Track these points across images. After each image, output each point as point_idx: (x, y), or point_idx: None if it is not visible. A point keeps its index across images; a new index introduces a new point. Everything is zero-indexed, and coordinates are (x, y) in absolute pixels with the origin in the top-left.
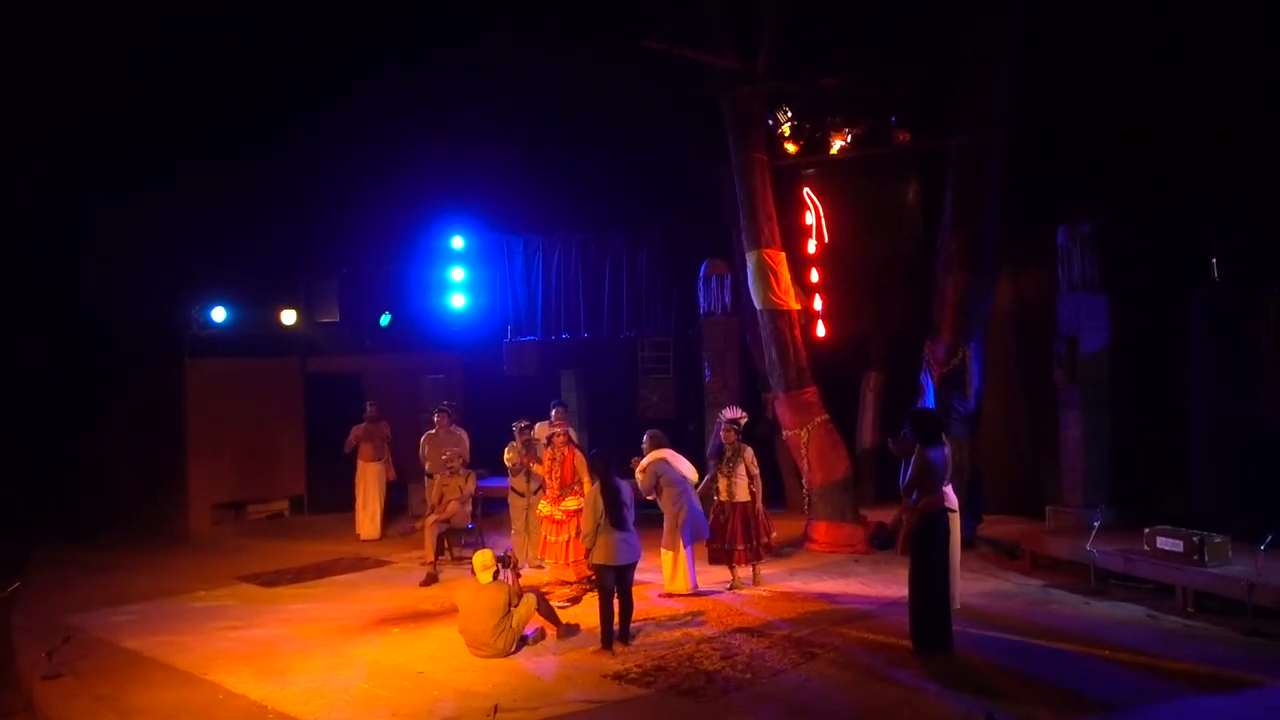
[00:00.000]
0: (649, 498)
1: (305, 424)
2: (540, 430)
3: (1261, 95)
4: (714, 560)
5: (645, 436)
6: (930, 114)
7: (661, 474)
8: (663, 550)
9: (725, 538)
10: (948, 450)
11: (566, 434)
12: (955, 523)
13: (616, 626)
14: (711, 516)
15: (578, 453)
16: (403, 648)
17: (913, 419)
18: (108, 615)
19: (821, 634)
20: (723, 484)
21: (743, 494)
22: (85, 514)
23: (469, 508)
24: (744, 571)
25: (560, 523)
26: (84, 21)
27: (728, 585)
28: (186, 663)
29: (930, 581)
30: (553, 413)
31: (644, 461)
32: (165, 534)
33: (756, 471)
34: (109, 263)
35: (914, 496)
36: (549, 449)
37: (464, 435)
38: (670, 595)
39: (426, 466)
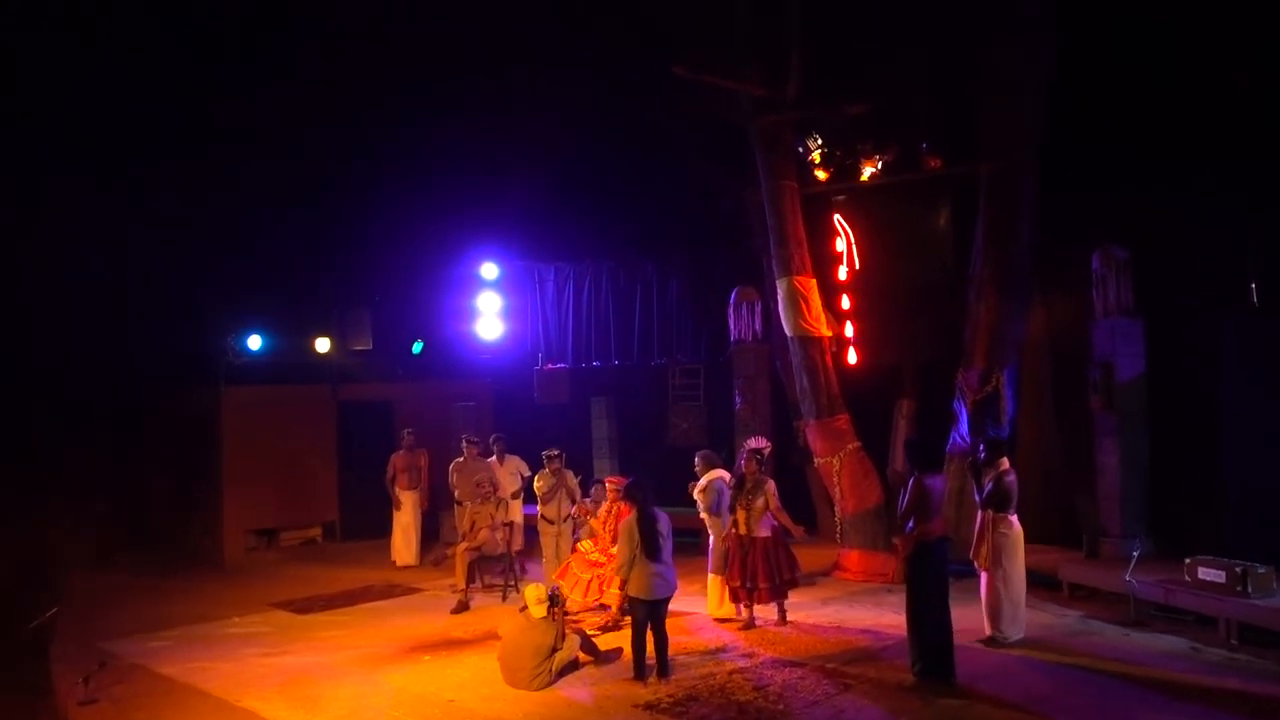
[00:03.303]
0: (713, 515)
1: (338, 451)
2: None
3: None
4: (734, 598)
5: (698, 457)
6: (961, 139)
7: (720, 492)
8: (710, 575)
9: (746, 575)
10: (943, 479)
11: (620, 488)
12: (1018, 547)
13: (651, 658)
14: (730, 552)
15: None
16: (434, 676)
17: (909, 447)
18: (143, 641)
19: (855, 665)
20: (741, 516)
21: (762, 529)
22: (121, 539)
23: (500, 534)
24: (767, 610)
25: (596, 564)
26: (128, 54)
27: (743, 625)
28: (220, 689)
29: (928, 610)
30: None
31: (702, 482)
32: (200, 560)
33: (778, 504)
34: (148, 291)
35: (910, 524)
36: (605, 503)
37: (489, 464)
38: (720, 621)
39: (456, 494)
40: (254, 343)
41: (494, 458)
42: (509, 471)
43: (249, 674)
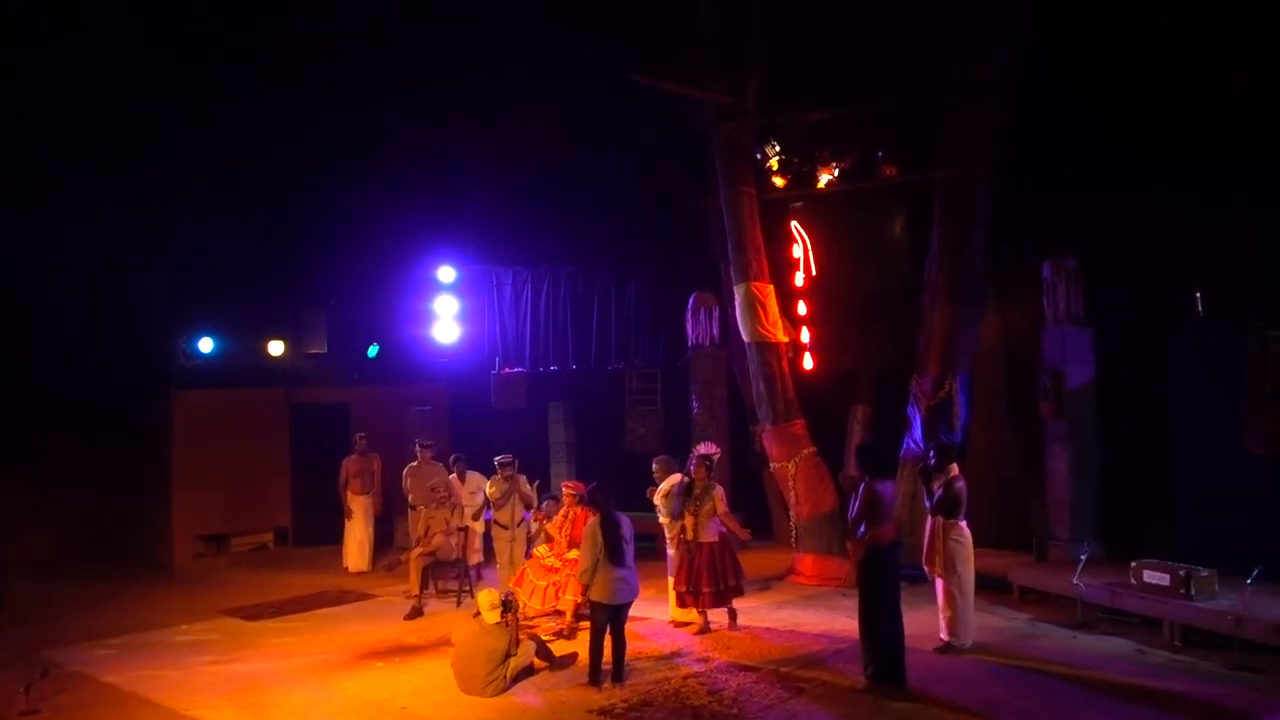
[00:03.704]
0: (674, 520)
1: (291, 455)
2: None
3: (1246, 131)
4: (681, 604)
5: (657, 463)
6: (917, 148)
7: (679, 497)
8: (671, 578)
9: (690, 580)
10: (895, 484)
11: (577, 493)
12: (969, 555)
13: (607, 664)
14: (678, 557)
15: (589, 512)
16: (386, 682)
17: (860, 452)
18: (88, 649)
19: (809, 669)
20: (689, 522)
21: (709, 534)
22: (68, 546)
23: (455, 540)
24: (716, 615)
25: (551, 569)
26: (72, 56)
27: (698, 629)
28: (167, 698)
29: (880, 614)
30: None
31: (664, 486)
32: (148, 566)
33: (726, 509)
34: (98, 293)
35: (861, 530)
36: (561, 508)
37: (444, 469)
38: (678, 625)
39: (410, 499)
40: (206, 345)
41: (454, 475)
42: (470, 490)
43: (197, 682)
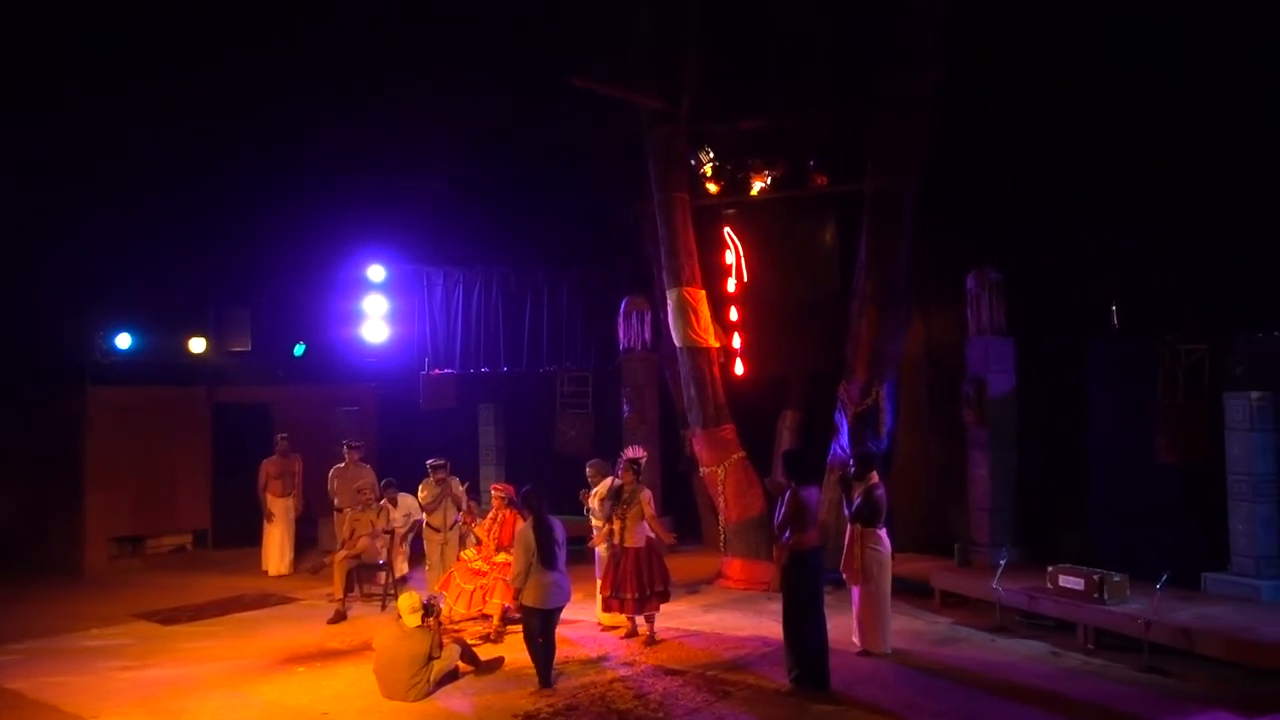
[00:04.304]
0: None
1: (213, 455)
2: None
3: (1166, 144)
4: (606, 608)
5: (591, 466)
6: (847, 159)
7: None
8: (599, 581)
9: (615, 585)
10: (820, 490)
11: (506, 495)
12: (887, 563)
13: (531, 667)
14: (606, 561)
15: (517, 516)
16: (308, 688)
17: (786, 458)
18: None
19: (734, 672)
20: (616, 526)
21: (636, 539)
22: None
23: (380, 543)
24: (640, 620)
25: (479, 573)
26: None
27: (626, 633)
28: (75, 705)
29: (803, 618)
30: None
31: (599, 489)
32: (58, 568)
33: (653, 512)
34: (8, 283)
35: (786, 535)
36: (490, 510)
37: (371, 471)
38: (607, 629)
39: (336, 501)
40: (123, 341)
41: (385, 501)
42: (402, 513)
43: (108, 688)
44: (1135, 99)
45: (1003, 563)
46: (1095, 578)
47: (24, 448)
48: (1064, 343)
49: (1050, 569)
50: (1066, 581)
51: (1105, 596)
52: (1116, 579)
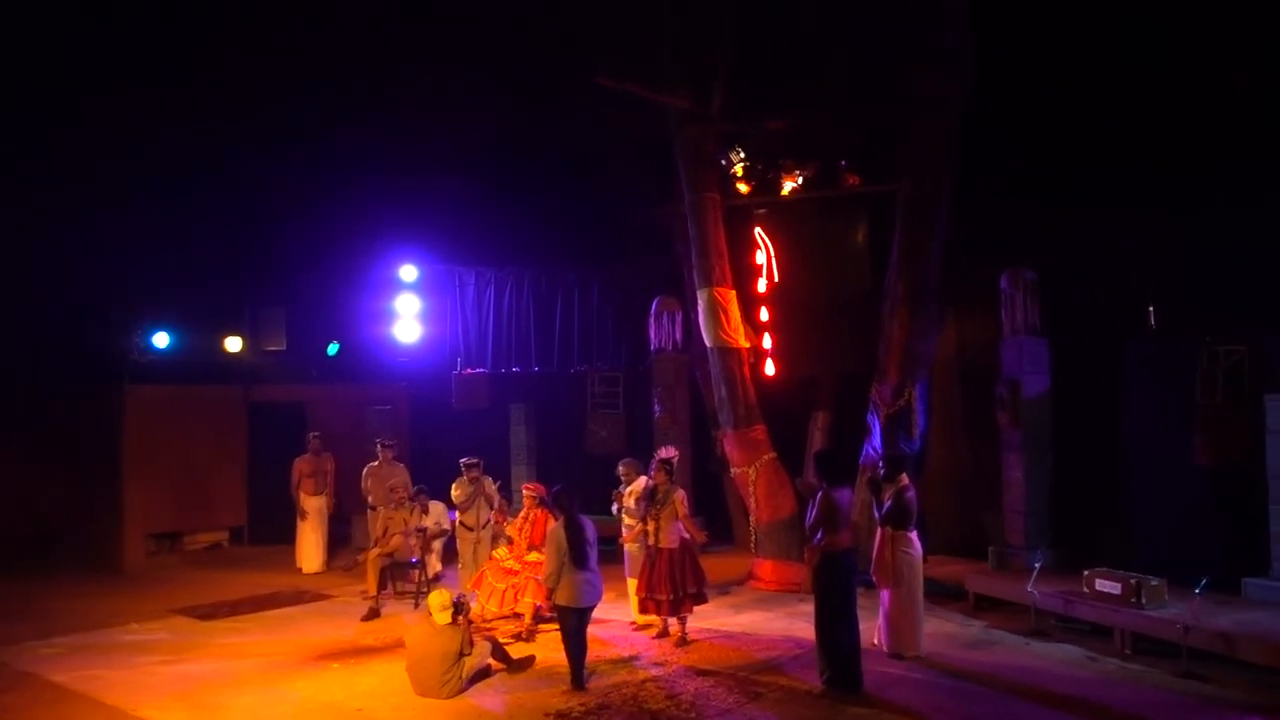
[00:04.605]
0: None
1: (248, 453)
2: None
3: (1201, 146)
4: (642, 609)
5: (624, 465)
6: (880, 158)
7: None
8: (630, 579)
9: (649, 586)
10: (852, 491)
11: (538, 494)
12: (918, 566)
13: (564, 666)
14: (640, 561)
15: (549, 515)
16: (341, 684)
17: (818, 459)
18: (35, 648)
19: (766, 673)
20: (651, 527)
21: (670, 539)
22: (15, 542)
23: (413, 540)
24: (672, 620)
25: (511, 572)
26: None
27: (657, 633)
28: (116, 698)
29: (835, 619)
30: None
31: (634, 488)
32: (98, 564)
33: (686, 511)
34: (50, 283)
35: (818, 536)
36: (522, 509)
37: (404, 469)
38: (639, 628)
39: (369, 499)
40: (161, 340)
41: (416, 505)
42: (431, 520)
43: (146, 682)
44: (1167, 99)
45: (1037, 566)
46: (1132, 582)
47: (65, 445)
48: (1098, 343)
49: (1086, 573)
50: (1103, 585)
51: (1143, 601)
52: (1154, 583)
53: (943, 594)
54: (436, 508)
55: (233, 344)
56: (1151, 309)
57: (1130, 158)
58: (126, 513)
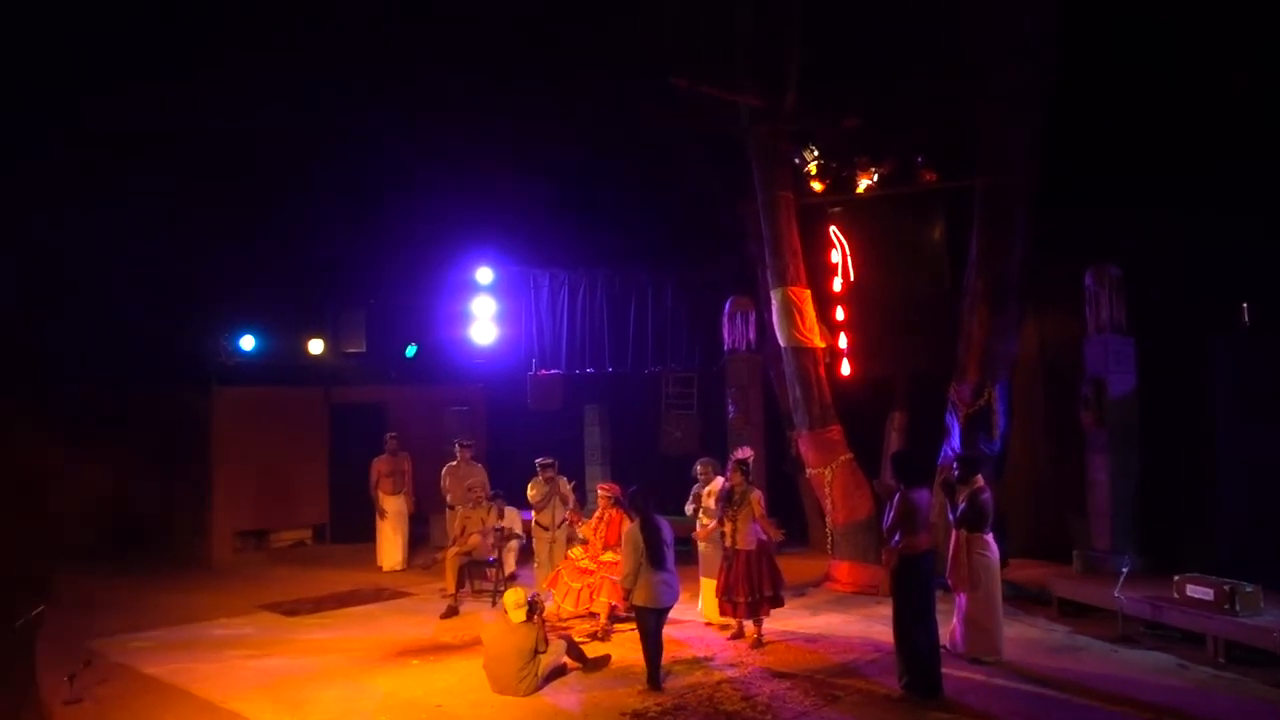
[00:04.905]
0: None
1: (330, 453)
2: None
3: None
4: (721, 611)
5: (701, 464)
6: (957, 154)
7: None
8: (704, 579)
9: (727, 589)
10: (930, 493)
11: (612, 495)
12: (995, 569)
13: (640, 666)
14: (720, 564)
15: (623, 515)
16: (421, 680)
17: (895, 460)
18: (128, 641)
19: (843, 677)
20: (728, 529)
21: (747, 541)
22: (109, 538)
23: (490, 540)
24: (748, 622)
25: (586, 571)
26: (117, 52)
27: (733, 634)
28: (205, 691)
29: (913, 623)
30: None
31: (712, 487)
32: (187, 560)
33: (763, 511)
34: (141, 289)
35: (896, 538)
36: (596, 510)
37: (482, 469)
38: (715, 628)
39: (448, 498)
40: (247, 343)
41: (493, 509)
42: (507, 524)
43: (234, 675)
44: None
45: (1124, 570)
46: (1226, 588)
47: (157, 445)
48: (1187, 341)
49: (1177, 578)
50: (1194, 591)
51: (1237, 607)
52: (1249, 589)
53: (1025, 598)
54: (511, 514)
55: (315, 346)
56: (1245, 304)
57: (1215, 156)
58: (215, 511)
